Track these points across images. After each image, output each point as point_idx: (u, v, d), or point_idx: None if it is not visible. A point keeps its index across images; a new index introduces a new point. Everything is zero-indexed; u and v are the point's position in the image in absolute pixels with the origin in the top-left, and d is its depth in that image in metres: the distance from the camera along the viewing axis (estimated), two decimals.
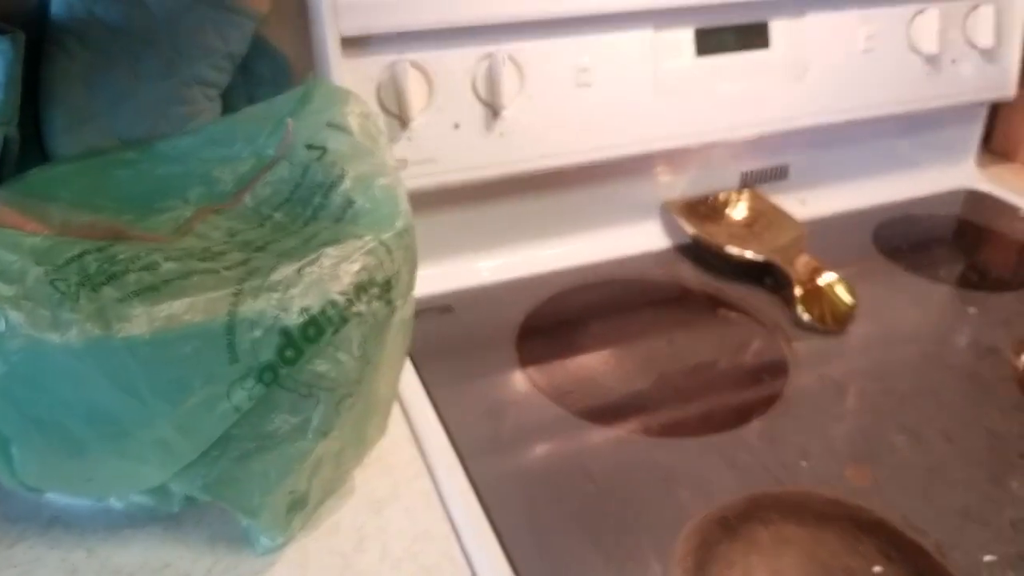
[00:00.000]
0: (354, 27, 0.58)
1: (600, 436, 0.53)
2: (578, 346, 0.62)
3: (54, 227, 0.41)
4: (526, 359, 0.60)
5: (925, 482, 0.49)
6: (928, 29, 0.77)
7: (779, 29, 0.72)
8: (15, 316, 0.35)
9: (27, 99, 0.51)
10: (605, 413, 0.55)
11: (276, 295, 0.37)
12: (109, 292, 0.36)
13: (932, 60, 0.79)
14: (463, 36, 0.62)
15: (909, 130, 0.85)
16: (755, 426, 0.54)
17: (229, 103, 0.58)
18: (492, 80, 0.62)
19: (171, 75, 0.54)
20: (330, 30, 0.57)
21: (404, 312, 0.44)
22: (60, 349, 0.35)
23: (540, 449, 0.52)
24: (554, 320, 0.65)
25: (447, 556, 0.42)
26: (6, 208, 0.42)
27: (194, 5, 0.54)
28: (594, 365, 0.60)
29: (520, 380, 0.58)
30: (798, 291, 0.65)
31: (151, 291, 0.36)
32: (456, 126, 0.63)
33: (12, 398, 0.36)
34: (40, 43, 0.52)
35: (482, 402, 0.55)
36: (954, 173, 0.88)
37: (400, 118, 0.61)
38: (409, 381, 0.55)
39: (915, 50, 0.78)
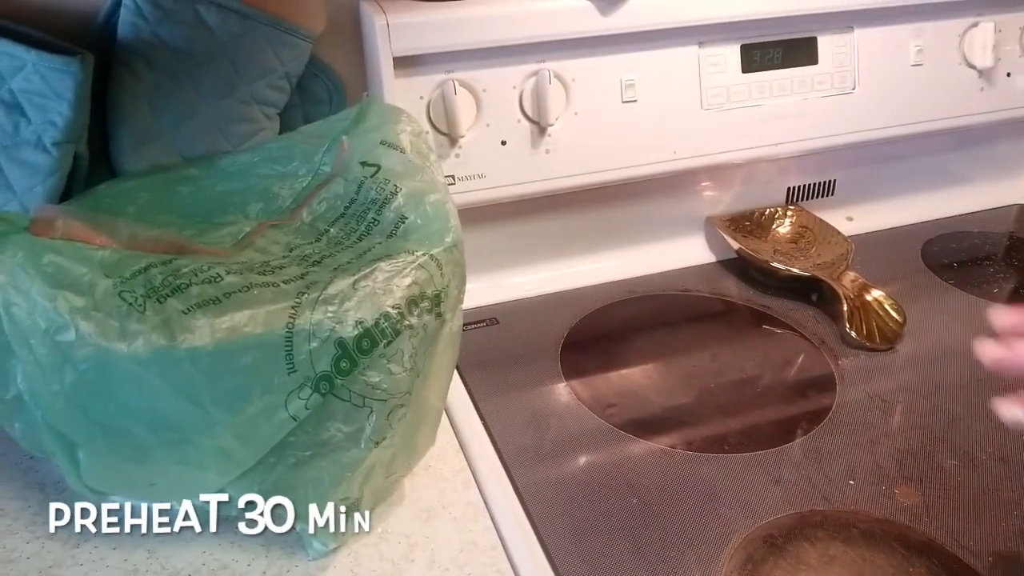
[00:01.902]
0: (405, 47, 0.59)
1: (643, 449, 0.53)
2: (621, 359, 0.62)
3: (122, 241, 0.43)
4: (570, 372, 0.60)
5: (978, 503, 0.48)
6: (982, 42, 0.75)
7: (827, 44, 0.72)
8: (85, 326, 0.37)
9: (96, 118, 0.54)
10: (648, 427, 0.55)
11: (332, 308, 0.38)
12: (174, 304, 0.38)
13: (986, 73, 0.77)
14: (509, 54, 0.63)
15: (960, 144, 0.83)
16: (801, 443, 0.53)
17: (286, 122, 0.60)
18: (538, 97, 0.63)
19: (231, 94, 0.56)
20: (383, 50, 0.58)
21: (453, 325, 0.44)
22: (127, 358, 0.37)
23: (584, 462, 0.52)
24: (597, 333, 0.65)
25: (494, 567, 0.43)
26: (77, 222, 0.43)
27: (253, 26, 0.56)
28: (637, 379, 0.60)
29: (564, 392, 0.58)
30: (845, 308, 0.64)
31: (213, 303, 0.38)
32: (503, 143, 0.64)
33: (80, 404, 0.38)
34: (108, 65, 0.55)
35: (527, 414, 0.56)
36: (1006, 188, 0.86)
37: (449, 135, 0.62)
38: (457, 392, 0.56)
39: (968, 63, 0.77)
